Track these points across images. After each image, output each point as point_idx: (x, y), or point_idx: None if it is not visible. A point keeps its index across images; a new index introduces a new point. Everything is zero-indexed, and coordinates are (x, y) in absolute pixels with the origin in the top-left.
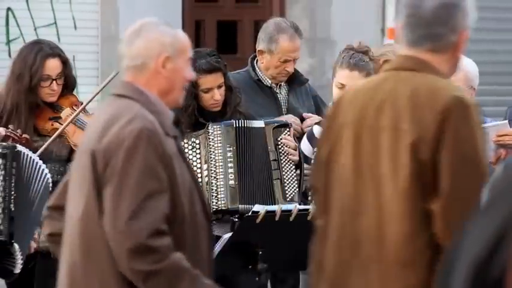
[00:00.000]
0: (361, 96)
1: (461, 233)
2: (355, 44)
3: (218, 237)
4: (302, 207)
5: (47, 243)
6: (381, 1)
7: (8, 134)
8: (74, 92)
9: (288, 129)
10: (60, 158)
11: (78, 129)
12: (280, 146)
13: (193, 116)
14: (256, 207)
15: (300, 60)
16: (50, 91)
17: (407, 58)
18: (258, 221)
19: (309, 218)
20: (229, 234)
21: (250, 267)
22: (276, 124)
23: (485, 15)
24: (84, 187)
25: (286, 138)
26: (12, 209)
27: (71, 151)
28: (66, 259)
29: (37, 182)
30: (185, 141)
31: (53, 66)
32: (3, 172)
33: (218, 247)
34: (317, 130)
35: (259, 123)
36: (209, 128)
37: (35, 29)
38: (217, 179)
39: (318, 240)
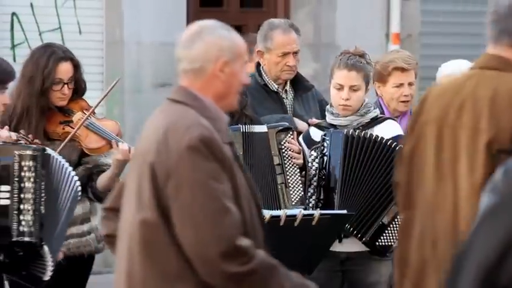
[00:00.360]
0: (445, 94)
1: (469, 235)
2: (351, 49)
3: None
4: (307, 212)
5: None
6: (385, 6)
7: (19, 138)
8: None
9: (291, 133)
10: (70, 163)
11: (90, 133)
12: (284, 150)
13: None
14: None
15: (305, 65)
16: (61, 95)
17: (491, 57)
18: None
19: (313, 223)
20: None
21: None
22: (279, 128)
23: None
24: (144, 196)
25: (290, 142)
26: (43, 211)
27: (81, 155)
28: (123, 266)
29: (67, 186)
30: None
31: (65, 69)
32: (33, 174)
33: None
34: (314, 132)
35: (262, 128)
36: None
37: (40, 34)
38: None
39: (402, 235)
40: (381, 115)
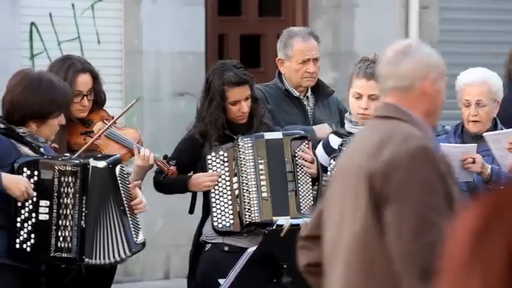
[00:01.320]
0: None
1: None
2: (370, 55)
3: (245, 249)
4: None
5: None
6: (404, 15)
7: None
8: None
9: (306, 142)
10: None
11: (111, 142)
12: (297, 158)
13: (222, 129)
14: (281, 221)
15: (323, 74)
16: (81, 107)
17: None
18: (282, 234)
19: None
20: (254, 248)
21: (274, 280)
22: (294, 136)
23: None
24: (358, 207)
25: (304, 151)
26: (83, 226)
27: None
28: (341, 278)
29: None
30: (213, 154)
31: (84, 81)
32: (72, 190)
33: (243, 260)
34: (333, 139)
35: (277, 135)
36: (239, 140)
37: (59, 44)
38: (249, 191)
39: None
40: None
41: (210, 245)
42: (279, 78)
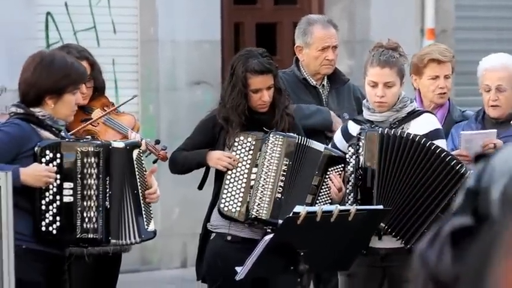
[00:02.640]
0: None
1: None
2: (384, 41)
3: (247, 240)
4: (343, 207)
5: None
6: (420, 2)
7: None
8: (114, 95)
9: (341, 167)
10: None
11: (108, 128)
12: (326, 177)
13: (243, 115)
14: (297, 208)
15: (339, 61)
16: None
17: None
18: (299, 222)
19: (349, 218)
20: (271, 236)
21: (291, 268)
22: (334, 154)
23: None
24: None
25: (335, 177)
26: (108, 206)
27: None
28: None
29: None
30: (241, 138)
31: None
32: (96, 170)
33: (260, 248)
34: (351, 126)
35: (319, 146)
36: (271, 135)
37: (75, 33)
38: (265, 187)
39: None
40: (418, 108)
41: (214, 234)
42: (297, 66)
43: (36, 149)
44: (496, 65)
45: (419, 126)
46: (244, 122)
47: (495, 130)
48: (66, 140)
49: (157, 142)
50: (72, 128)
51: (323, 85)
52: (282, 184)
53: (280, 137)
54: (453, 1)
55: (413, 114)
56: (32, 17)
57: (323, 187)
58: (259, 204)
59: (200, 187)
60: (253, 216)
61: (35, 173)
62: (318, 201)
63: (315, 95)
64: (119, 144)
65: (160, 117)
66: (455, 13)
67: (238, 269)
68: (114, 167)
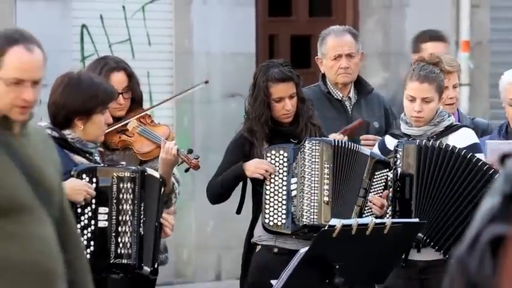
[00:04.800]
0: None
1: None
2: (426, 55)
3: (294, 252)
4: (379, 221)
5: None
6: (455, 14)
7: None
8: (150, 106)
9: (387, 171)
10: None
11: (143, 139)
12: (374, 181)
13: (266, 126)
14: (333, 221)
15: (374, 74)
16: (117, 105)
17: None
18: (334, 235)
19: (385, 231)
20: (306, 249)
21: (327, 281)
22: (379, 158)
23: None
24: None
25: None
26: (142, 233)
27: (141, 163)
28: None
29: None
30: (273, 152)
31: (118, 80)
32: (131, 196)
33: (295, 261)
34: (388, 140)
35: (365, 151)
36: (306, 142)
37: (110, 46)
38: (311, 193)
39: None
40: (456, 123)
41: (260, 246)
42: (322, 80)
43: (72, 172)
44: None
45: (458, 140)
46: (269, 133)
47: None
48: (101, 165)
49: (190, 151)
50: (109, 139)
51: (349, 97)
52: (327, 187)
53: (317, 142)
54: (488, 13)
55: (451, 129)
56: (67, 29)
57: (371, 191)
58: (308, 210)
59: (238, 211)
60: (303, 223)
61: (75, 187)
62: (366, 207)
63: (339, 108)
64: (154, 172)
65: (194, 130)
66: (490, 25)
67: (273, 282)
68: (148, 194)
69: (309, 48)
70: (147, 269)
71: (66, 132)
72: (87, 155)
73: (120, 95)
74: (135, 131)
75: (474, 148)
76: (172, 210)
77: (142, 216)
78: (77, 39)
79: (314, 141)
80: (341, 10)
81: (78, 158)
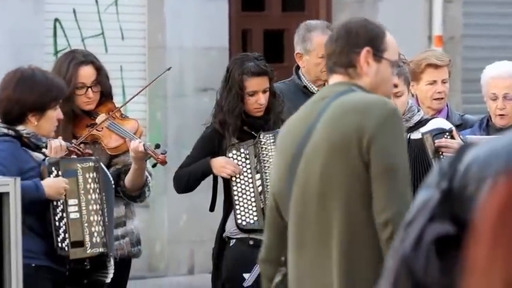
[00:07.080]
0: None
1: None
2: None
3: None
4: None
5: None
6: (427, 9)
7: (71, 149)
8: (122, 101)
9: (447, 134)
10: None
11: (112, 133)
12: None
13: (239, 119)
14: None
15: None
16: (87, 99)
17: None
18: None
19: None
20: None
21: None
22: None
23: None
24: None
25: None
26: (107, 221)
27: (111, 157)
28: None
29: (112, 193)
30: (234, 152)
31: (86, 73)
32: (97, 185)
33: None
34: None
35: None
36: (261, 137)
37: (83, 40)
38: None
39: None
40: (426, 117)
41: (234, 240)
42: (297, 75)
43: (42, 167)
44: (503, 73)
45: (429, 128)
46: (240, 127)
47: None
48: (62, 158)
49: (158, 146)
50: (78, 132)
51: None
52: None
53: (270, 135)
54: (461, 8)
55: (422, 123)
56: (40, 23)
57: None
58: None
59: (211, 209)
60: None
61: (56, 185)
62: None
63: None
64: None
65: (167, 124)
66: (463, 20)
67: (246, 275)
68: (104, 182)
69: (281, 43)
70: (111, 256)
71: (20, 128)
72: (40, 150)
73: (89, 89)
74: (104, 125)
75: (448, 132)
76: None
77: (105, 205)
78: (50, 33)
79: (268, 135)
80: (314, 5)
81: (35, 154)
